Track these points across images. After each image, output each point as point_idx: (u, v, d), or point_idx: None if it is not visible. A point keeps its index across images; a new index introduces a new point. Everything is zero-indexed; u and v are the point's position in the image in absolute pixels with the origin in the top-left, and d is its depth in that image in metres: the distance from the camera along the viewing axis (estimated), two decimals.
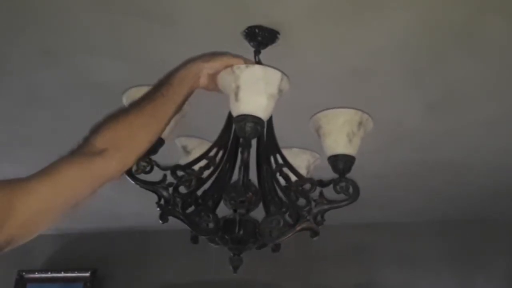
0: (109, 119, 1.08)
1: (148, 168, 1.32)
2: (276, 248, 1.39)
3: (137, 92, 1.39)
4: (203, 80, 1.23)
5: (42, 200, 0.93)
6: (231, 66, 1.23)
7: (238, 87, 1.23)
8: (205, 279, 3.41)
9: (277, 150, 1.40)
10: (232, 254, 1.33)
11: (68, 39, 1.74)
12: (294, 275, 3.27)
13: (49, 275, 3.69)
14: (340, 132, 1.32)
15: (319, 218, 1.28)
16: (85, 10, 1.59)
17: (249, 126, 1.22)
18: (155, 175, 1.32)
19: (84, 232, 3.77)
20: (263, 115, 1.23)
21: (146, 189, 1.32)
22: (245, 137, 1.24)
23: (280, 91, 1.24)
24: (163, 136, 1.36)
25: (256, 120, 1.22)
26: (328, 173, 1.31)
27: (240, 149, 1.28)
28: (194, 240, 1.38)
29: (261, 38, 1.60)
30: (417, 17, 1.55)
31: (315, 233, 1.27)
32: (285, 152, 1.46)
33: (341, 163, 1.31)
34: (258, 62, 1.55)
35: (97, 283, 3.61)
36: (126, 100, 1.42)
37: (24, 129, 2.39)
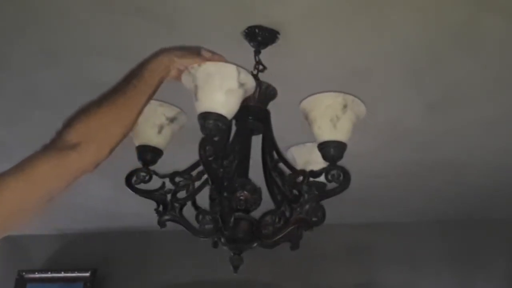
0: (81, 112, 1.09)
1: (147, 178, 1.36)
2: (295, 246, 1.34)
3: None
4: (174, 73, 1.24)
5: (17, 195, 0.93)
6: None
7: (196, 87, 1.24)
8: (205, 279, 3.41)
9: (273, 147, 1.40)
10: (232, 254, 1.33)
11: (68, 39, 1.74)
12: (294, 275, 3.27)
13: (49, 275, 3.68)
14: (323, 118, 1.28)
15: (311, 210, 1.27)
16: (85, 10, 1.59)
17: (209, 123, 1.22)
18: (155, 184, 1.35)
19: (84, 232, 3.76)
20: (225, 111, 1.22)
21: (146, 197, 1.34)
22: (207, 135, 1.23)
23: (241, 85, 1.23)
24: (161, 147, 1.40)
25: (216, 117, 1.22)
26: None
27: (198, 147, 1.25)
28: (215, 245, 1.38)
29: (261, 38, 1.60)
30: (417, 17, 1.55)
31: (308, 226, 1.26)
32: (299, 148, 1.46)
33: (329, 150, 1.28)
34: (258, 62, 1.55)
35: (97, 283, 3.60)
36: None
37: (24, 129, 2.39)
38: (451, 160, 2.47)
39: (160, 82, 1.20)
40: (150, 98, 1.19)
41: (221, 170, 1.29)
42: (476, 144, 2.31)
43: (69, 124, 1.06)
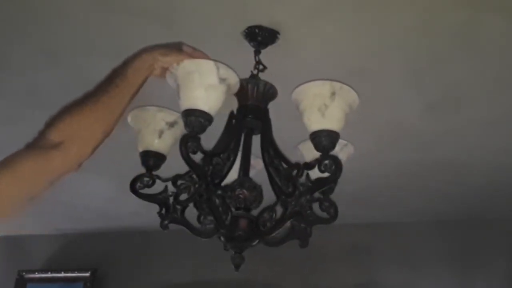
0: (64, 111, 1.09)
1: (150, 183, 1.39)
2: (304, 243, 1.33)
3: (141, 113, 1.42)
4: (157, 71, 1.24)
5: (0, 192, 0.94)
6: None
7: (178, 86, 1.25)
8: (205, 279, 3.41)
9: (271, 144, 1.40)
10: (233, 252, 1.33)
11: (68, 39, 1.74)
12: (294, 275, 3.27)
13: (49, 275, 3.69)
14: (312, 108, 1.27)
15: (305, 202, 1.27)
16: (85, 10, 1.59)
17: (191, 120, 1.23)
18: (160, 187, 1.36)
19: (84, 232, 3.76)
20: (207, 107, 1.23)
21: (150, 201, 1.37)
22: (190, 131, 1.24)
23: (222, 80, 1.24)
24: (163, 152, 1.41)
25: (197, 113, 1.22)
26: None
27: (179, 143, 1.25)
28: (226, 247, 1.39)
29: (261, 38, 1.60)
30: (417, 17, 1.55)
31: (302, 218, 1.26)
32: (306, 143, 1.46)
33: (319, 140, 1.27)
34: (258, 62, 1.55)
35: (97, 283, 3.60)
36: (131, 121, 1.45)
37: (24, 129, 2.38)
38: (451, 160, 2.47)
39: (144, 81, 1.21)
40: (133, 97, 1.19)
41: (210, 167, 1.29)
42: (476, 144, 2.31)
43: (52, 123, 1.07)
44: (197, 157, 1.29)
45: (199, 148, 1.24)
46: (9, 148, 2.88)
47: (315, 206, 1.37)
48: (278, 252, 1.43)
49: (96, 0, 1.55)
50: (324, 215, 1.33)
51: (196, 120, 1.23)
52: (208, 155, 1.29)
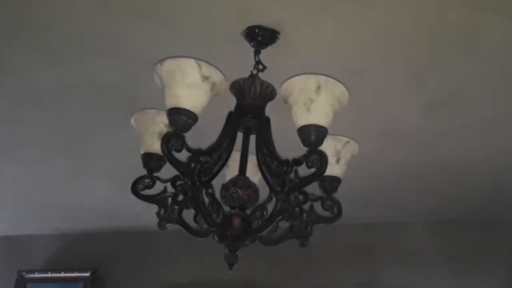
0: None
1: (150, 184, 1.41)
2: (303, 243, 1.33)
3: (142, 115, 1.42)
4: None
5: None
6: None
7: (163, 85, 1.26)
8: (205, 279, 3.41)
9: (264, 142, 1.41)
10: (227, 251, 1.32)
11: (68, 39, 1.74)
12: (294, 275, 3.27)
13: (49, 275, 3.69)
14: (298, 103, 1.27)
15: (292, 198, 1.27)
16: (84, 10, 1.59)
17: (173, 118, 1.24)
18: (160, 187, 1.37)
19: (84, 232, 3.76)
20: (190, 105, 1.24)
21: (149, 202, 1.38)
22: (175, 129, 1.24)
23: (205, 78, 1.24)
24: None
25: (180, 112, 1.23)
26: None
27: (161, 142, 1.25)
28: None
29: (261, 38, 1.60)
30: (417, 17, 1.55)
31: (288, 214, 1.26)
32: None
33: (305, 136, 1.26)
34: (258, 62, 1.55)
35: (97, 283, 3.61)
36: (134, 123, 1.45)
37: (24, 129, 2.39)
38: (451, 160, 2.47)
39: None
40: None
41: (198, 165, 1.29)
42: (476, 144, 2.31)
43: None
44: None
45: (183, 146, 1.24)
46: (9, 148, 2.87)
47: (317, 206, 1.37)
48: (278, 252, 1.42)
49: (96, 0, 1.55)
50: (327, 214, 1.33)
51: (179, 118, 1.23)
52: (195, 154, 1.29)
